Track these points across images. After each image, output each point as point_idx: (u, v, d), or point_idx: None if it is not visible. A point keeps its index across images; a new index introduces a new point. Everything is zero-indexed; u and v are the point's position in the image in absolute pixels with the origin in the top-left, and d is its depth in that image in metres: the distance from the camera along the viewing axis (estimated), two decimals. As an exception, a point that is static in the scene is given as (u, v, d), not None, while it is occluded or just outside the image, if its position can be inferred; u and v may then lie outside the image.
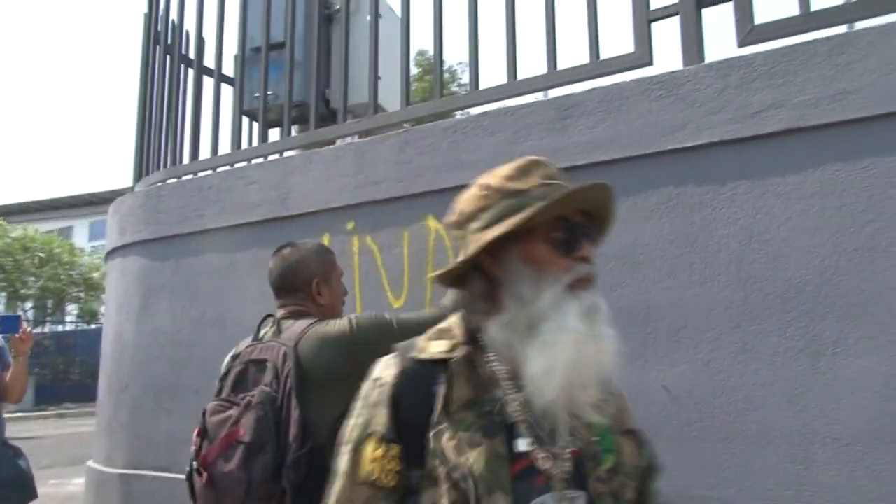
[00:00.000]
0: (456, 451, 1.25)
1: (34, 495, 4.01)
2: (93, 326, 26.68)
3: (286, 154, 3.88)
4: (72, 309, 27.43)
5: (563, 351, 1.26)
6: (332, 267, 2.54)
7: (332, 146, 3.58)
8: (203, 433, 2.19)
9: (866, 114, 2.35)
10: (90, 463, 4.43)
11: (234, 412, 2.14)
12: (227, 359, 2.42)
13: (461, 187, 2.99)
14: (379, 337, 2.16)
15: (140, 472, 3.91)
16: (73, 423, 20.29)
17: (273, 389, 2.13)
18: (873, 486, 2.23)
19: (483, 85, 3.30)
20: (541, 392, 1.26)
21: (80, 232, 35.69)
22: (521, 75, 3.17)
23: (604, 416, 1.35)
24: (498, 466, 1.25)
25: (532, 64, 3.14)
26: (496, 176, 1.39)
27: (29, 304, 23.63)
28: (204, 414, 2.23)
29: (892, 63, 2.33)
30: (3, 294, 23.43)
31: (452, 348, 1.36)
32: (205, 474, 2.10)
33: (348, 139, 3.77)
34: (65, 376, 25.78)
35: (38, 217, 35.36)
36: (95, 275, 24.73)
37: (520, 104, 3.02)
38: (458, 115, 3.60)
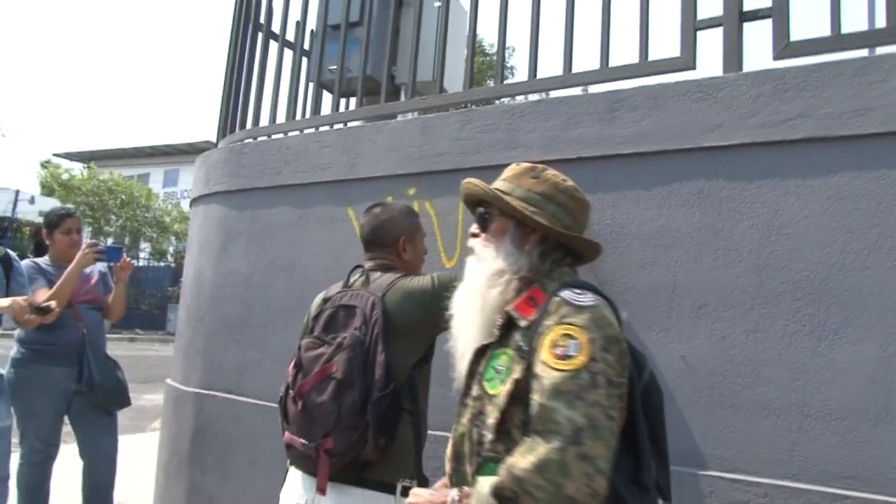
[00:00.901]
0: None
1: (128, 403, 4.40)
2: (161, 264, 27.76)
3: (356, 123, 4.12)
4: (145, 247, 28.45)
5: None
6: (417, 227, 2.71)
7: (400, 119, 3.81)
8: (299, 366, 2.38)
9: (883, 130, 2.52)
10: (169, 381, 4.79)
11: (326, 350, 2.32)
12: (318, 300, 2.60)
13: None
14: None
15: (211, 392, 4.24)
16: (141, 346, 21.16)
17: (362, 333, 2.30)
18: (854, 456, 2.44)
19: (539, 75, 3.50)
20: None
21: (156, 179, 36.91)
22: (575, 69, 3.36)
23: None
24: None
25: (585, 59, 3.33)
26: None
27: (110, 240, 24.53)
28: (299, 349, 2.42)
29: (910, 86, 2.50)
30: (90, 229, 24.26)
31: None
32: (300, 402, 2.30)
33: (409, 115, 4.00)
34: (136, 305, 27.09)
35: (121, 163, 36.50)
36: (167, 219, 25.65)
37: (573, 95, 3.22)
38: (518, 99, 3.80)
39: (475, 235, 1.87)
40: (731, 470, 2.64)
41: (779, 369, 2.61)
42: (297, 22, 4.76)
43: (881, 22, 2.73)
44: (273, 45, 4.83)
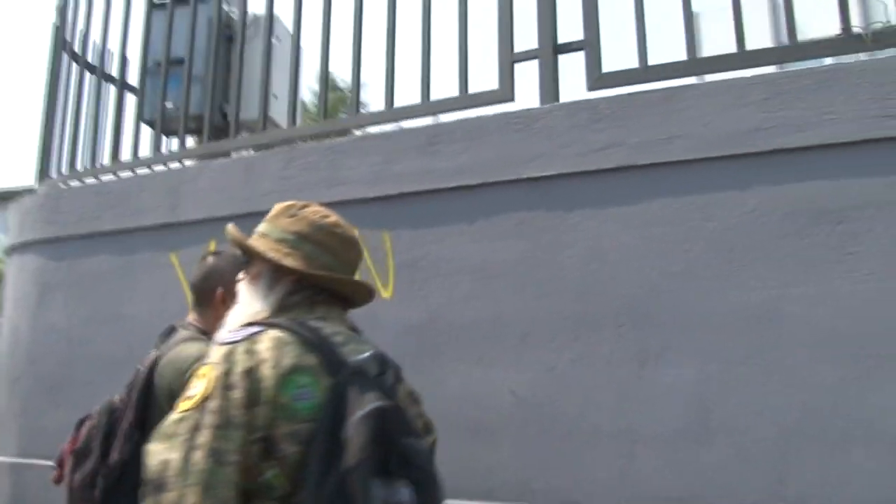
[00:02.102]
0: None
1: None
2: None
3: (179, 164, 3.80)
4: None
5: None
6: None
7: (223, 159, 3.52)
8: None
9: (688, 157, 2.48)
10: (-20, 451, 4.22)
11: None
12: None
13: (339, 203, 3.02)
14: None
15: (30, 460, 3.75)
16: None
17: (120, 400, 2.02)
18: (681, 477, 2.36)
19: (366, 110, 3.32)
20: None
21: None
22: (398, 103, 3.20)
23: None
24: None
25: (408, 94, 3.18)
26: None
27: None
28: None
29: (707, 115, 2.47)
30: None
31: None
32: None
33: (243, 152, 3.73)
34: None
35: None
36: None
37: (394, 130, 3.06)
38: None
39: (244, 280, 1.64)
40: (566, 501, 2.49)
41: (606, 395, 2.51)
42: (121, 55, 4.37)
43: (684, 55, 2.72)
44: (93, 80, 4.40)
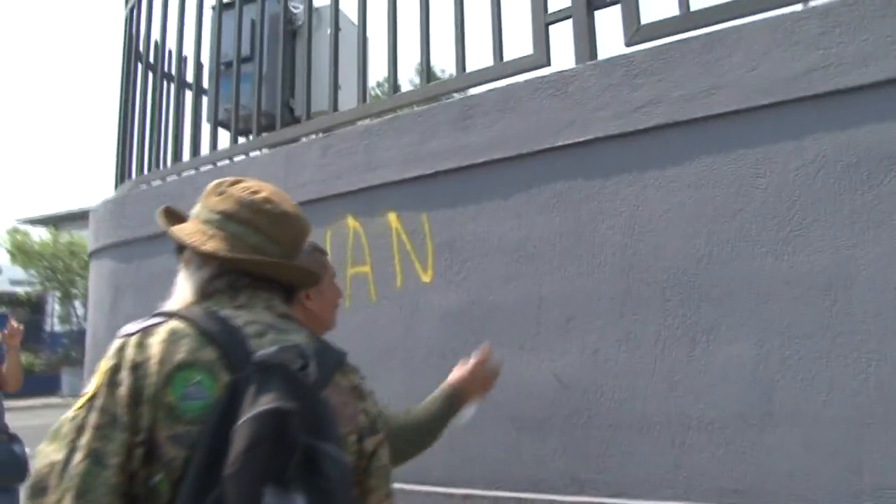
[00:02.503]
0: None
1: (24, 478, 3.96)
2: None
3: (236, 159, 3.75)
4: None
5: None
6: (322, 267, 2.02)
7: (265, 152, 3.44)
8: None
9: (734, 107, 2.18)
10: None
11: None
12: None
13: (376, 187, 2.87)
14: None
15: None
16: (41, 412, 20.17)
17: None
18: (740, 466, 2.08)
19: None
20: None
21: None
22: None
23: None
24: None
25: (447, 65, 2.99)
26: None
27: (78, 303, 23.50)
28: None
29: (753, 60, 2.16)
30: (59, 293, 23.39)
31: None
32: None
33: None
34: (28, 369, 25.12)
35: (85, 224, 35.27)
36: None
37: (428, 107, 2.88)
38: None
39: None
40: (614, 494, 2.26)
41: (655, 380, 2.25)
42: (185, 58, 4.37)
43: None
44: (161, 85, 4.44)
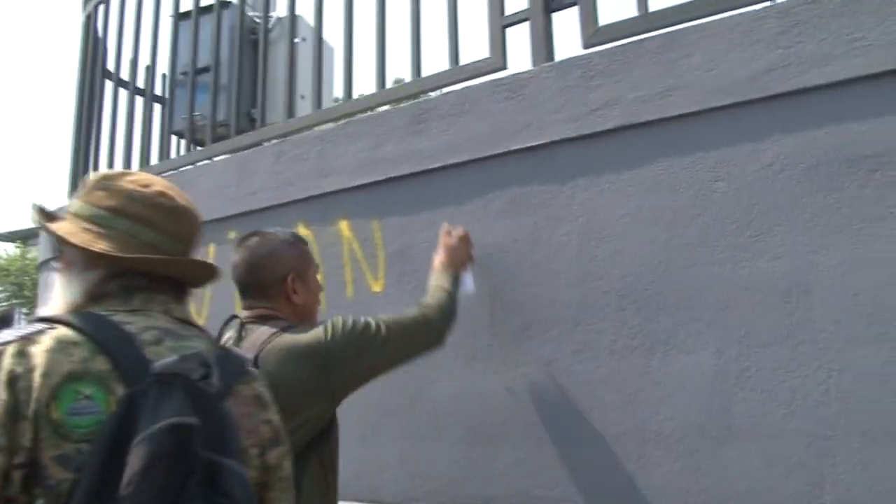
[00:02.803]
0: None
1: None
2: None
3: (187, 168, 3.61)
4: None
5: None
6: (308, 260, 2.00)
7: (219, 159, 3.31)
8: None
9: (693, 109, 2.10)
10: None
11: None
12: None
13: (328, 194, 2.75)
14: (358, 349, 1.80)
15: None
16: None
17: None
18: (699, 481, 1.96)
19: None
20: None
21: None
22: (389, 82, 2.91)
23: None
24: None
25: (400, 70, 2.88)
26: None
27: (42, 322, 23.04)
28: None
29: (712, 60, 2.08)
30: (25, 310, 23.00)
31: None
32: None
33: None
34: None
35: (54, 239, 34.69)
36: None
37: (381, 112, 2.77)
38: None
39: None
40: (570, 514, 2.14)
41: (611, 391, 2.13)
42: (147, 66, 4.22)
43: None
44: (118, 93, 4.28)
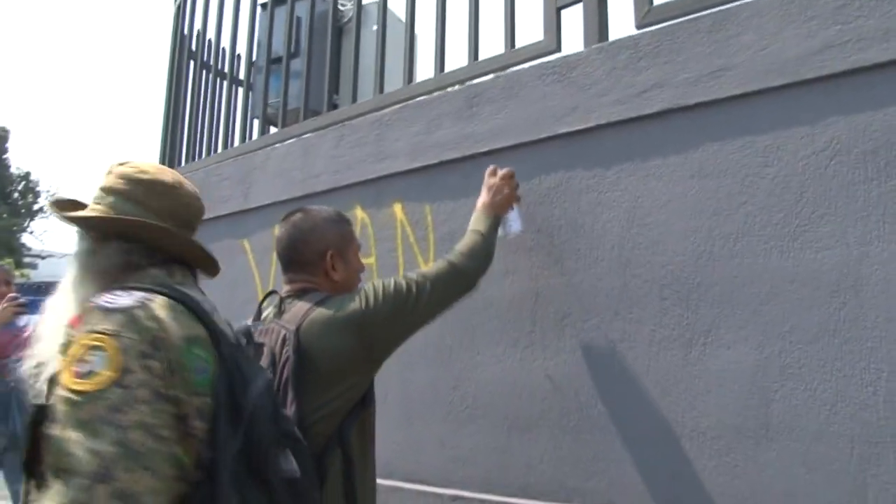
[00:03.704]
0: None
1: None
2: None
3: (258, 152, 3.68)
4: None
5: None
6: (348, 238, 1.97)
7: (286, 142, 3.35)
8: None
9: (743, 90, 1.95)
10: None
11: None
12: None
13: (384, 177, 2.75)
14: (393, 312, 1.78)
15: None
16: None
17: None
18: (734, 480, 1.85)
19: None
20: None
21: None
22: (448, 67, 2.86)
23: None
24: None
25: (457, 55, 2.83)
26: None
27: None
28: None
29: (766, 38, 1.93)
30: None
31: None
32: None
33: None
34: None
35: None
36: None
37: (435, 95, 2.73)
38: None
39: None
40: (602, 503, 2.06)
41: (649, 383, 2.04)
42: (238, 55, 4.33)
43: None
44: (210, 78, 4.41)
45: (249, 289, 3.22)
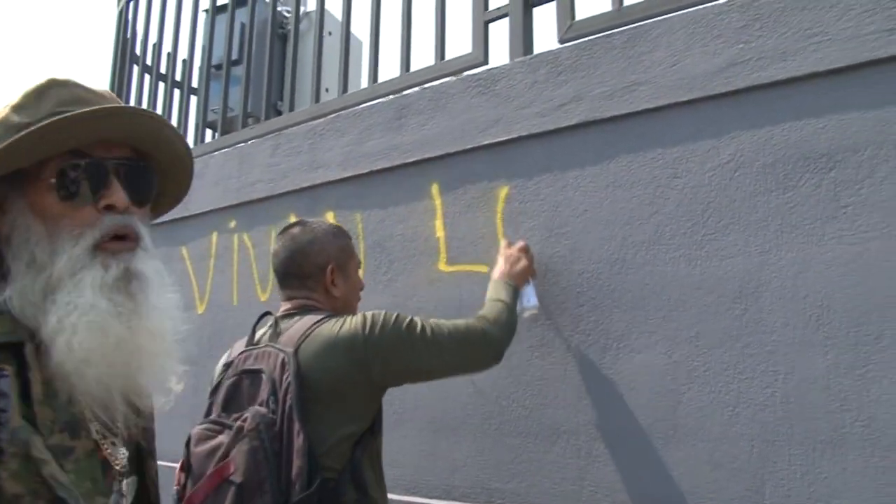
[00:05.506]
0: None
1: None
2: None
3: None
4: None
5: (83, 337, 0.86)
6: (350, 252, 1.88)
7: (223, 151, 3.32)
8: (187, 468, 1.57)
9: (654, 104, 1.99)
10: None
11: (223, 439, 1.52)
12: (219, 367, 1.78)
13: (318, 186, 2.73)
14: (400, 347, 1.66)
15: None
16: None
17: (270, 409, 1.51)
18: (645, 479, 1.88)
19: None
20: (77, 384, 0.88)
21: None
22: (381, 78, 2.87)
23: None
24: (94, 467, 0.90)
25: (391, 66, 2.84)
26: (5, 106, 0.95)
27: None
28: (188, 442, 1.60)
29: (676, 54, 1.97)
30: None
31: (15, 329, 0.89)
32: None
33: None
34: None
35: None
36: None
37: (366, 106, 2.72)
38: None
39: None
40: (522, 503, 2.07)
41: (566, 387, 2.06)
42: (184, 60, 4.25)
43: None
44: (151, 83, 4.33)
45: (187, 296, 3.17)
